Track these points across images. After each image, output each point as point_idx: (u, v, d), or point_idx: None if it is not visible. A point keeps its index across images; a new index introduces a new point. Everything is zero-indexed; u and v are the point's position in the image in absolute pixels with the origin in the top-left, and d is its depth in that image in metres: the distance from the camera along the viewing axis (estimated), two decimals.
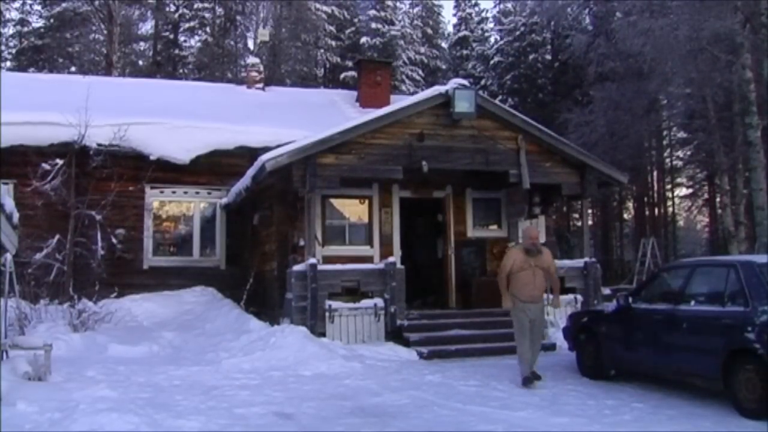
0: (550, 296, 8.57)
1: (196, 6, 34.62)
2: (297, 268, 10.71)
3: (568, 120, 25.01)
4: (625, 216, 35.21)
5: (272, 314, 11.56)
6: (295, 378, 8.13)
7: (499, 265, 13.12)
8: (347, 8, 38.26)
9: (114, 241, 13.05)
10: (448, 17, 74.14)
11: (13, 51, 34.75)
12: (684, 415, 6.21)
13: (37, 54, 33.75)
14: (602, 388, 7.72)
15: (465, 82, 12.54)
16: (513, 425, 5.92)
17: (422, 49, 38.26)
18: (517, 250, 8.18)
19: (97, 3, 30.53)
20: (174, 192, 14.34)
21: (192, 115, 14.72)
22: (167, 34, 35.72)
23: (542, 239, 13.57)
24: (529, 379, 7.69)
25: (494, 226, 13.63)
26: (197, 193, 14.43)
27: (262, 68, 20.01)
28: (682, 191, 33.99)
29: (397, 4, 38.84)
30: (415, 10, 41.24)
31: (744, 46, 16.87)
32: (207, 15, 35.32)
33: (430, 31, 40.97)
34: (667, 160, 32.03)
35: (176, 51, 35.65)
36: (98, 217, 12.74)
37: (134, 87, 18.47)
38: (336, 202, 12.62)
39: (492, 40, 39.61)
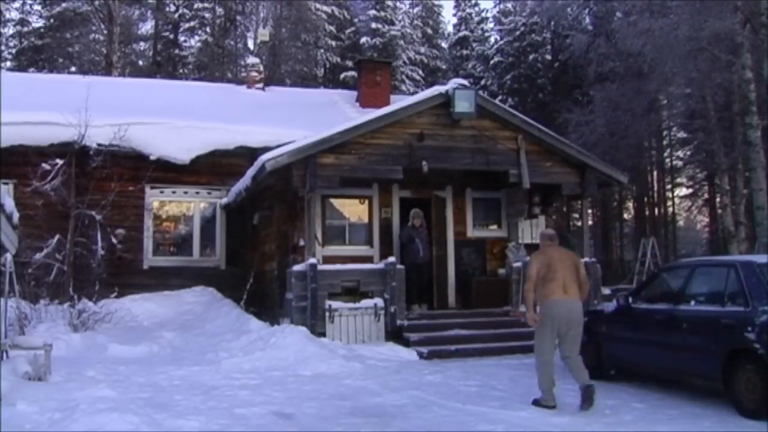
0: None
1: (196, 6, 34.61)
2: (297, 268, 10.71)
3: (568, 120, 25.01)
4: (625, 216, 35.20)
5: (272, 314, 11.56)
6: (295, 378, 8.13)
7: (500, 265, 13.29)
8: (347, 8, 38.26)
9: (114, 241, 13.05)
10: (448, 17, 74.17)
11: (13, 51, 34.72)
12: (684, 415, 6.20)
13: (37, 54, 33.73)
14: (602, 388, 7.68)
15: (465, 82, 12.55)
16: (513, 425, 5.92)
17: (422, 49, 38.26)
18: None
19: (97, 3, 30.54)
20: (174, 192, 14.33)
21: (192, 115, 14.71)
22: (167, 34, 35.72)
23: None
24: None
25: (494, 226, 13.63)
26: (197, 193, 14.42)
27: (262, 68, 20.01)
28: (682, 191, 34.02)
29: (397, 4, 38.82)
30: (415, 10, 41.23)
31: (744, 46, 16.86)
32: (207, 15, 35.32)
33: (430, 31, 40.97)
34: (667, 160, 32.03)
35: (176, 51, 35.64)
36: (98, 217, 12.73)
37: (134, 87, 18.47)
38: (336, 202, 12.62)
39: (492, 40, 39.60)
